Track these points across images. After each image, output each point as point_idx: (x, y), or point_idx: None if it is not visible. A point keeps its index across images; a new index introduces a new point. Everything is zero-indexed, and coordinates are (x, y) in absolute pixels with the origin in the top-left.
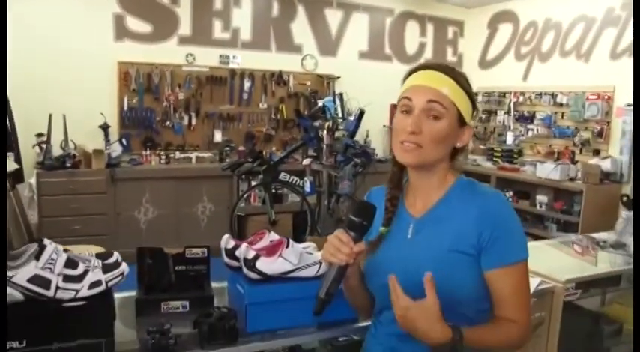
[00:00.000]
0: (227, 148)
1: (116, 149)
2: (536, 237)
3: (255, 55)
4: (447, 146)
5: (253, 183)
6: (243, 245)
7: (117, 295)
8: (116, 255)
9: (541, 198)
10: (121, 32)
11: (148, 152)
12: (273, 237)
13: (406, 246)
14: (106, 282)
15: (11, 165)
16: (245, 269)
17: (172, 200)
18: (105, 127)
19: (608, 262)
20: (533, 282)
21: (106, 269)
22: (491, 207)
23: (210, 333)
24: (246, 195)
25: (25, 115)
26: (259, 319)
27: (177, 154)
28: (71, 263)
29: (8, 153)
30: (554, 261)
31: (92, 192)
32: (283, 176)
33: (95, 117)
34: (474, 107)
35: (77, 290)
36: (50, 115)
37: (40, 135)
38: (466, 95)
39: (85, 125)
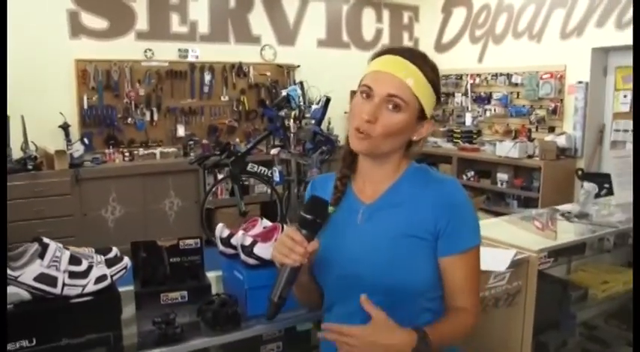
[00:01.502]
0: (191, 142)
1: (78, 149)
2: (499, 214)
3: (214, 47)
4: (400, 139)
5: (220, 176)
6: (240, 232)
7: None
8: (115, 250)
9: (501, 176)
10: (77, 29)
11: (111, 150)
12: (266, 223)
13: (356, 232)
14: (111, 276)
15: None
16: (243, 256)
17: (139, 197)
18: (65, 127)
19: (573, 232)
20: (509, 253)
21: (110, 263)
22: (448, 195)
23: (214, 320)
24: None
25: None
26: (259, 303)
27: (141, 151)
28: (74, 260)
29: None
30: (523, 234)
31: (56, 193)
32: (251, 167)
33: (55, 117)
34: (439, 100)
35: (84, 286)
36: (7, 117)
37: None
38: (431, 88)
39: (44, 126)
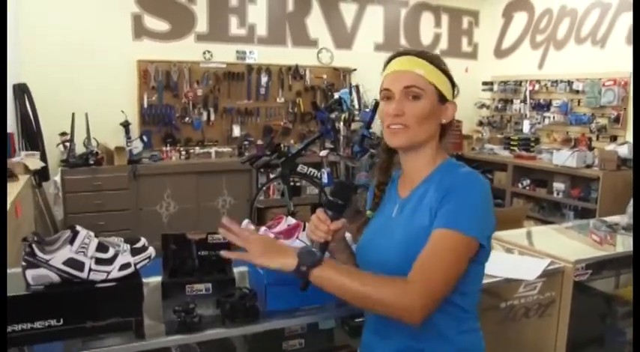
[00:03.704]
0: (246, 142)
1: (137, 146)
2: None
3: (271, 50)
4: (432, 123)
5: (272, 176)
6: (262, 228)
7: (143, 280)
8: (143, 240)
9: (558, 186)
10: (140, 31)
11: (169, 148)
12: (290, 221)
13: (389, 223)
14: (135, 265)
15: (37, 164)
16: None
17: (193, 194)
18: (126, 125)
19: (619, 244)
20: (542, 263)
21: (134, 252)
22: (452, 179)
23: (232, 312)
24: (265, 188)
25: (49, 115)
26: (278, 299)
27: (197, 149)
28: (102, 247)
29: (34, 153)
30: (563, 243)
31: (115, 188)
32: (301, 168)
33: (116, 115)
34: (453, 85)
35: (108, 272)
36: (73, 114)
37: (63, 134)
38: (442, 73)
39: (106, 123)
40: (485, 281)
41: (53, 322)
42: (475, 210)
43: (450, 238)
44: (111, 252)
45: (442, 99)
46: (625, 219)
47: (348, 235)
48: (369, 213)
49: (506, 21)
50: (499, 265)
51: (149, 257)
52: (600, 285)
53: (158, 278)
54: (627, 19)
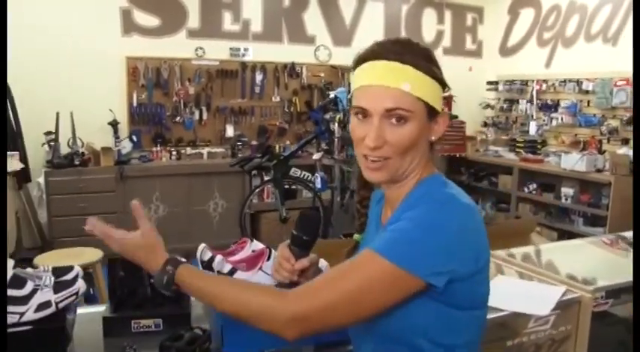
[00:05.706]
0: (239, 143)
1: (126, 146)
2: (562, 232)
3: (266, 46)
4: (418, 149)
5: (266, 179)
6: (218, 257)
7: (84, 310)
8: (76, 270)
9: (566, 191)
10: (129, 26)
11: (159, 148)
12: (256, 246)
13: None
14: (56, 303)
15: (16, 165)
16: None
17: (183, 197)
18: (114, 124)
19: None
20: (557, 292)
21: (58, 288)
22: (422, 196)
23: None
24: (258, 191)
25: (34, 114)
26: (237, 340)
27: (189, 150)
28: (17, 281)
29: (12, 153)
30: (580, 265)
31: (101, 190)
32: (294, 171)
33: (104, 114)
34: (444, 87)
35: (21, 314)
36: (57, 113)
37: (48, 133)
38: (431, 80)
39: (93, 122)
40: (488, 315)
41: None
42: (427, 239)
43: (372, 263)
44: (28, 288)
45: (432, 113)
46: None
47: (324, 264)
48: (356, 237)
49: (512, 18)
50: (504, 294)
51: (76, 293)
52: (618, 310)
53: (97, 309)
54: None
